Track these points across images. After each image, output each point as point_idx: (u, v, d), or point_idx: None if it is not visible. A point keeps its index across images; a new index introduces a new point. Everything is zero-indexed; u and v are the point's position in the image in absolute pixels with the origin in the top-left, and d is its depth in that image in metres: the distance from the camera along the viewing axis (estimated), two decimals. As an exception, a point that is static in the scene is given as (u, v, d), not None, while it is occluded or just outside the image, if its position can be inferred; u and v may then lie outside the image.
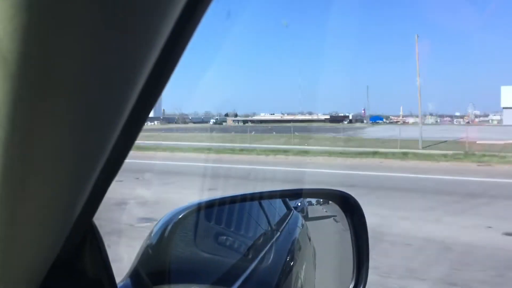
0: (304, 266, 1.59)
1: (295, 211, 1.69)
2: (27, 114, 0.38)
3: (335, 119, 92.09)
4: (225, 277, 1.21)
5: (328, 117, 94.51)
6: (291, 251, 1.58)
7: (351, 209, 1.37)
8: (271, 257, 1.40)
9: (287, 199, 1.68)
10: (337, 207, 1.42)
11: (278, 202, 1.63)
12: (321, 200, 1.57)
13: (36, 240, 0.57)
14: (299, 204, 1.70)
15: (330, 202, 1.49)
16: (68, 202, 0.54)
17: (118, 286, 0.83)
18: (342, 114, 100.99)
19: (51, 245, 0.62)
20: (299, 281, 1.51)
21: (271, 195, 1.49)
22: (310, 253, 1.67)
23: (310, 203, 1.66)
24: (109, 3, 0.34)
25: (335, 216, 1.46)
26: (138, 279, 0.98)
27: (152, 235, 1.07)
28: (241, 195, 1.32)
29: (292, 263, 1.52)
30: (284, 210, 1.66)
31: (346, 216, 1.37)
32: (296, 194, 1.67)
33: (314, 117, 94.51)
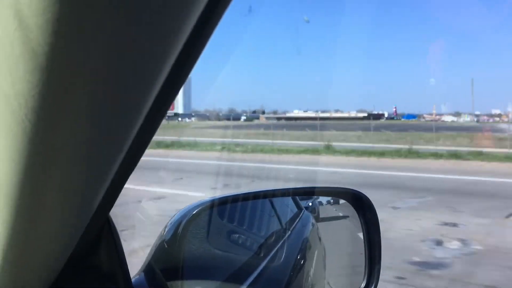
0: (314, 266, 1.60)
1: (306, 211, 1.70)
2: (51, 107, 0.39)
3: (373, 116, 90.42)
4: (237, 274, 1.23)
5: (365, 114, 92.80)
6: (302, 250, 1.59)
7: (364, 208, 1.36)
8: (282, 255, 1.41)
9: (298, 199, 1.68)
10: (347, 208, 1.42)
11: (290, 201, 1.63)
12: (332, 200, 1.58)
13: (54, 233, 0.59)
14: (310, 204, 1.70)
15: (341, 202, 1.50)
16: (86, 196, 0.56)
17: (132, 280, 0.85)
18: (376, 112, 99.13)
19: (68, 239, 0.64)
20: (309, 280, 1.52)
21: (284, 193, 1.49)
22: (321, 253, 1.67)
23: (321, 203, 1.66)
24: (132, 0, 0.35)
25: (347, 216, 1.45)
26: (152, 274, 0.99)
27: (165, 231, 1.08)
28: (254, 192, 1.34)
29: (302, 262, 1.53)
30: (295, 209, 1.67)
31: (358, 215, 1.36)
32: (309, 192, 1.66)
33: (352, 114, 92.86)
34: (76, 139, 0.44)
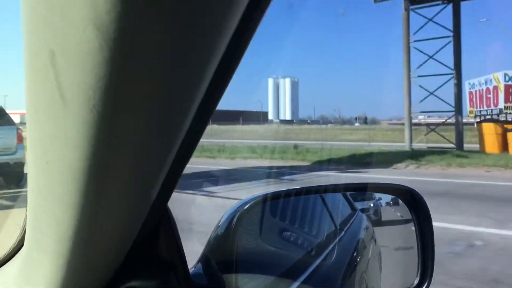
0: (369, 267, 1.58)
1: (360, 212, 1.68)
2: (115, 99, 0.43)
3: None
4: (290, 271, 1.24)
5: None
6: (356, 250, 1.58)
7: (416, 206, 1.35)
8: (336, 255, 1.41)
9: (352, 200, 1.67)
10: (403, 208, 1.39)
11: (343, 202, 1.63)
12: (391, 202, 1.54)
13: (118, 220, 0.62)
14: (372, 205, 1.67)
15: (400, 204, 1.46)
16: (145, 185, 0.59)
17: (190, 270, 0.87)
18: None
19: (131, 226, 0.67)
20: (364, 281, 1.50)
21: (335, 188, 1.50)
22: (376, 255, 1.65)
23: (380, 205, 1.63)
24: (185, 1, 0.39)
25: (411, 220, 1.41)
26: (208, 265, 1.00)
27: (220, 224, 1.09)
28: (306, 188, 1.36)
29: (356, 263, 1.52)
30: (349, 210, 1.65)
31: (411, 212, 1.36)
32: (361, 188, 1.65)
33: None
34: (137, 130, 0.48)
